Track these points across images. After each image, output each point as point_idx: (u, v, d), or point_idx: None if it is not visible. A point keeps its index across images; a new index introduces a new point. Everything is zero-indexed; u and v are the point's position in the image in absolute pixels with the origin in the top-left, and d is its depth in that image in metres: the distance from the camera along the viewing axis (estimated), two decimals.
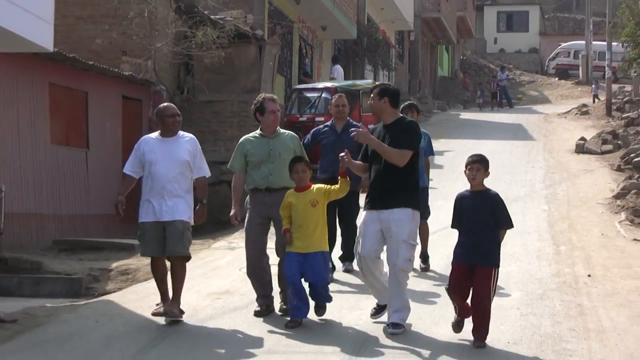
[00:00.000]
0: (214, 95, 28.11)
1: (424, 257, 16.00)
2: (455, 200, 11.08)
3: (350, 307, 13.04)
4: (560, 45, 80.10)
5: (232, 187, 12.61)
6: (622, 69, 50.96)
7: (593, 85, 62.46)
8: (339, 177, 11.56)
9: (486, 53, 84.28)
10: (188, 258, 12.45)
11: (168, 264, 12.58)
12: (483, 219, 10.60)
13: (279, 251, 12.18)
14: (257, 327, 11.96)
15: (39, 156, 20.55)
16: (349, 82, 36.25)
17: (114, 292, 15.82)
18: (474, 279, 10.42)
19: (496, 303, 9.56)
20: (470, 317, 10.76)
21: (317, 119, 29.87)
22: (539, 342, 11.63)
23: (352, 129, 11.85)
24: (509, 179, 26.96)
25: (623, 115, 44.28)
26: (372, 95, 11.73)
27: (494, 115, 53.34)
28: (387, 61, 50.81)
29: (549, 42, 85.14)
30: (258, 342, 11.38)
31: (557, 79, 72.92)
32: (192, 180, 12.42)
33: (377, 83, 36.25)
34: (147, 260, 17.65)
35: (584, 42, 69.82)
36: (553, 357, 11.02)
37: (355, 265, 14.29)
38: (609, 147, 34.20)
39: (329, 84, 33.80)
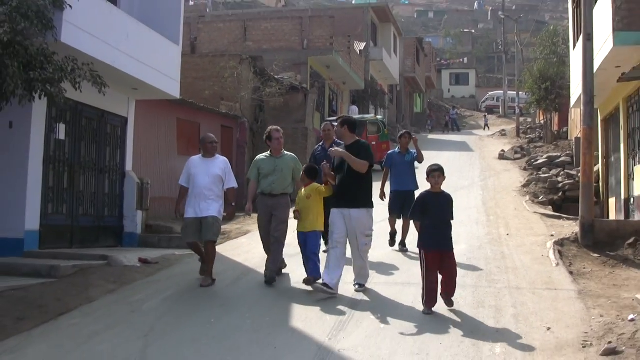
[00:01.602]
0: (277, 125, 28.09)
1: (403, 243, 14.19)
2: (419, 198, 10.08)
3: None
4: (488, 93, 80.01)
5: (249, 190, 12.06)
6: (525, 108, 51.36)
7: (485, 116, 64.33)
8: (324, 185, 11.06)
9: (443, 98, 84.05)
10: (215, 242, 11.91)
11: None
12: (444, 214, 9.76)
13: (271, 235, 11.57)
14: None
15: (171, 162, 20.64)
16: (360, 116, 36.23)
17: (217, 244, 15.79)
18: (443, 261, 9.51)
19: None
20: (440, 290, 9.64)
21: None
22: (478, 275, 11.71)
23: (330, 148, 11.11)
24: (458, 175, 26.88)
25: (527, 136, 44.88)
26: (337, 124, 11.25)
27: (448, 136, 53.20)
28: (383, 103, 50.90)
29: (481, 91, 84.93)
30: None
31: (486, 114, 72.67)
32: (224, 190, 11.93)
33: (377, 117, 36.61)
34: (238, 225, 17.64)
35: (502, 91, 69.75)
36: (487, 284, 11.08)
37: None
38: (519, 155, 34.21)
39: None
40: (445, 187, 9.95)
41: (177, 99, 18.34)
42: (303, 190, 11.29)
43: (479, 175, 28.41)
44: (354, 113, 40.42)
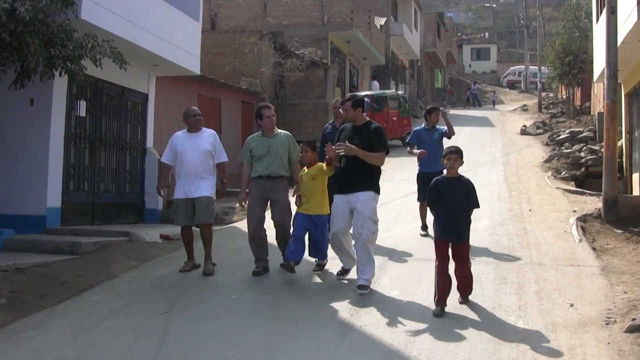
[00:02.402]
0: (297, 100, 28.15)
1: (424, 227, 13.01)
2: (432, 184, 8.82)
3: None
4: (510, 68, 79.45)
5: (241, 176, 10.84)
6: (547, 83, 50.82)
7: (493, 93, 64.37)
8: (326, 164, 9.92)
9: (464, 73, 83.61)
10: (211, 224, 11.05)
11: (195, 231, 11.22)
12: (459, 202, 8.52)
13: (277, 222, 10.52)
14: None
15: None
16: (381, 91, 36.16)
17: (237, 222, 15.79)
18: (454, 253, 8.54)
19: (472, 227, 9.32)
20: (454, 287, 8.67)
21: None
22: (500, 251, 11.65)
23: (339, 145, 9.42)
24: (480, 150, 26.74)
25: (549, 111, 44.41)
26: (345, 104, 9.83)
27: (469, 111, 52.88)
28: (404, 78, 50.64)
29: (503, 67, 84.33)
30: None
31: (508, 89, 72.26)
32: (214, 165, 10.99)
33: (398, 92, 36.46)
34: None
35: (524, 66, 69.18)
36: (509, 259, 11.03)
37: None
38: (541, 131, 33.84)
39: (368, 93, 33.86)
40: (466, 162, 9.68)
41: (198, 75, 18.38)
42: (306, 169, 10.29)
43: (501, 150, 28.23)
44: (375, 88, 40.42)
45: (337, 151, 9.37)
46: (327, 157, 9.77)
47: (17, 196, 12.94)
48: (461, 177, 8.75)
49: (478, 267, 10.25)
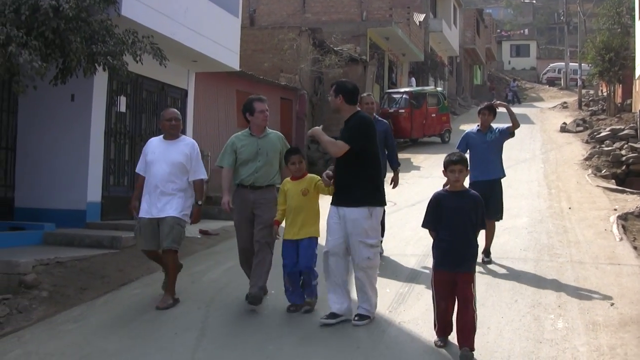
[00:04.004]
0: None
1: (486, 252, 10.83)
2: (431, 200, 7.21)
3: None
4: (549, 65, 78.81)
5: (222, 178, 9.07)
6: (587, 80, 50.34)
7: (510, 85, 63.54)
8: (325, 186, 8.10)
9: (503, 70, 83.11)
10: (176, 251, 9.05)
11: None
12: (464, 220, 6.97)
13: (255, 242, 8.67)
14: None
15: (230, 134, 20.58)
16: (419, 87, 36.08)
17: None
18: (456, 286, 6.91)
19: (511, 224, 9.24)
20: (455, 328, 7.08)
21: (400, 110, 30.08)
22: (540, 249, 11.60)
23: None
24: (519, 147, 26.53)
25: (589, 109, 43.94)
26: (330, 92, 8.14)
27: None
28: (442, 75, 50.43)
29: (542, 63, 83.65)
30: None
31: (547, 86, 71.68)
32: (190, 181, 9.24)
33: (437, 88, 36.34)
34: None
35: (564, 63, 68.56)
36: (548, 258, 10.98)
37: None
38: (581, 128, 33.49)
39: (407, 89, 33.91)
40: (506, 160, 9.61)
41: (237, 71, 18.43)
42: (292, 182, 8.50)
43: (540, 148, 28.03)
44: (413, 85, 40.31)
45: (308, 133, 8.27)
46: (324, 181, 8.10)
47: (58, 191, 13.06)
48: (467, 190, 7.33)
49: (517, 264, 10.24)
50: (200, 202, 9.32)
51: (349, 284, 8.07)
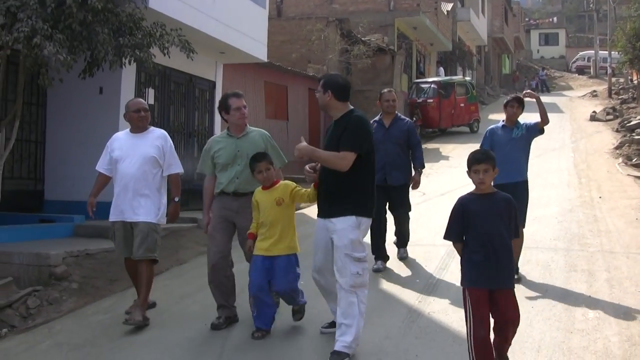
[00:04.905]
0: (364, 87, 28.05)
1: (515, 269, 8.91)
2: (456, 206, 6.03)
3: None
4: (579, 53, 78.21)
5: (203, 192, 8.07)
6: (617, 68, 49.87)
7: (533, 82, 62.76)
8: (312, 187, 7.00)
9: (532, 59, 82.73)
10: (154, 261, 8.17)
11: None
12: (497, 228, 5.82)
13: (249, 258, 7.49)
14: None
15: (259, 125, 20.66)
16: (447, 77, 35.95)
17: (302, 209, 15.77)
18: (500, 304, 5.80)
19: (542, 214, 9.06)
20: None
21: (428, 100, 29.99)
22: (570, 238, 11.51)
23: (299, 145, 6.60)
24: (548, 137, 26.08)
25: (619, 97, 43.53)
26: (319, 87, 6.99)
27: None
28: (471, 64, 50.36)
29: (571, 52, 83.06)
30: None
31: (577, 74, 71.19)
32: (164, 177, 8.29)
33: (465, 78, 36.17)
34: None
35: (593, 51, 67.98)
36: (579, 247, 10.88)
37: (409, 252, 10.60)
38: (611, 117, 33.19)
39: (435, 79, 33.85)
40: (535, 149, 9.28)
41: (265, 62, 18.44)
42: (263, 192, 7.37)
43: (570, 137, 27.85)
44: (441, 74, 40.17)
45: (295, 153, 6.64)
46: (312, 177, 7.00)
47: (87, 183, 13.02)
48: (497, 192, 6.08)
49: (547, 254, 10.19)
50: (177, 199, 8.36)
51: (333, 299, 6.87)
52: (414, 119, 29.35)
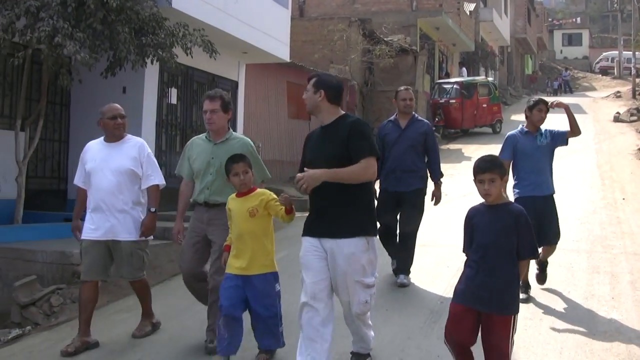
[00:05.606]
0: (386, 87, 27.98)
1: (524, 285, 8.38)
2: (466, 216, 5.50)
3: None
4: (602, 54, 77.78)
5: (179, 195, 7.36)
6: None
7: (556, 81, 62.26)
8: (285, 212, 6.03)
9: (555, 59, 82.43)
10: (143, 278, 7.54)
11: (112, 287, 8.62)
12: (499, 243, 5.07)
13: (210, 277, 6.79)
14: None
15: (281, 125, 20.85)
16: (470, 78, 35.85)
17: None
18: (483, 328, 5.07)
19: (564, 215, 8.91)
20: None
21: (451, 101, 29.94)
22: (592, 240, 11.46)
23: (298, 179, 5.40)
24: (571, 138, 26.25)
25: None
26: (308, 86, 6.19)
27: (561, 98, 52.02)
28: (493, 65, 50.14)
29: (595, 52, 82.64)
30: None
31: (600, 75, 70.82)
32: (142, 190, 7.50)
33: (488, 78, 36.05)
34: None
35: (617, 51, 67.58)
36: (602, 249, 10.83)
37: (411, 279, 9.34)
38: (635, 118, 33.03)
39: (458, 79, 33.82)
40: (558, 150, 8.91)
41: (287, 62, 18.45)
42: (237, 199, 6.39)
43: (593, 138, 27.70)
44: (463, 75, 40.08)
45: (300, 187, 5.45)
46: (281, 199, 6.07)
47: None
48: (508, 204, 5.32)
49: (570, 256, 10.12)
50: (153, 209, 7.51)
51: (326, 336, 5.71)
52: (436, 119, 29.34)
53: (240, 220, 6.23)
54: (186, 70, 14.62)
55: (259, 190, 6.39)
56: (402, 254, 9.31)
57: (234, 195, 6.40)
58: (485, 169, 5.19)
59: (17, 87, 11.97)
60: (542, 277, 8.82)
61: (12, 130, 11.46)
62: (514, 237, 5.06)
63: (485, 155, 5.43)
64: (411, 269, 9.33)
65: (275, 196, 6.27)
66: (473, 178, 5.31)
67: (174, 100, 14.50)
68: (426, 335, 7.24)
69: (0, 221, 11.08)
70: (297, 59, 22.96)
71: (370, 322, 6.13)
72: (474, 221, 5.34)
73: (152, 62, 11.43)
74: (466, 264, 5.36)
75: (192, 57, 12.07)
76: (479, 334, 5.13)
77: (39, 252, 9.72)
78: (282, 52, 16.90)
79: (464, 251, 5.50)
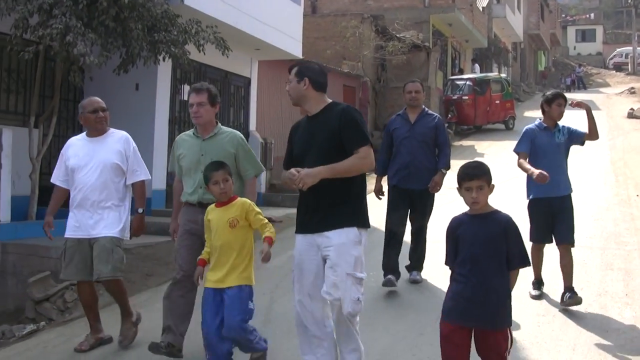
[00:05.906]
0: (399, 83, 27.88)
1: (570, 289, 7.92)
2: (448, 227, 5.15)
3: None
4: (616, 50, 77.48)
5: (174, 194, 7.20)
6: None
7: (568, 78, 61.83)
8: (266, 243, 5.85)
9: (568, 55, 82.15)
10: (120, 279, 7.13)
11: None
12: (488, 255, 4.77)
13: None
14: None
15: (294, 121, 20.82)
16: (483, 74, 35.79)
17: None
18: (480, 345, 4.84)
19: (576, 212, 8.81)
20: None
21: (464, 97, 29.88)
22: (606, 237, 11.45)
23: (291, 176, 5.23)
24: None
25: None
26: (290, 76, 5.97)
27: (574, 94, 51.87)
28: (506, 61, 50.06)
29: (609, 48, 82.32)
30: None
31: (614, 71, 70.55)
32: (128, 185, 7.29)
33: (501, 75, 35.96)
34: None
35: (631, 47, 67.34)
36: (615, 246, 10.83)
37: (423, 275, 9.23)
38: None
39: (471, 75, 33.76)
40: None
41: (300, 59, 18.46)
42: (217, 209, 5.99)
43: (607, 134, 27.52)
44: (476, 71, 40.01)
45: (296, 186, 5.28)
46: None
47: None
48: (494, 212, 4.92)
49: (583, 252, 10.07)
50: (141, 210, 7.31)
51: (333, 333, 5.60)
52: (449, 116, 29.29)
53: (220, 231, 5.88)
54: (199, 67, 14.65)
55: (239, 199, 6.02)
56: (414, 250, 9.14)
57: (213, 205, 6.05)
58: (473, 176, 4.84)
59: (31, 84, 12.03)
60: (577, 299, 7.86)
61: (25, 127, 11.51)
62: (503, 246, 4.77)
63: (471, 162, 5.10)
64: (426, 269, 9.20)
65: (257, 208, 6.01)
66: (457, 186, 4.94)
67: (186, 97, 14.55)
68: (438, 331, 7.23)
69: (15, 217, 11.11)
70: (310, 56, 22.95)
71: (358, 335, 5.54)
72: (458, 232, 4.99)
73: (164, 59, 11.46)
74: (452, 278, 5.04)
75: (204, 54, 12.09)
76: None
77: (53, 248, 9.72)
78: (295, 48, 16.94)
79: (447, 264, 5.14)
